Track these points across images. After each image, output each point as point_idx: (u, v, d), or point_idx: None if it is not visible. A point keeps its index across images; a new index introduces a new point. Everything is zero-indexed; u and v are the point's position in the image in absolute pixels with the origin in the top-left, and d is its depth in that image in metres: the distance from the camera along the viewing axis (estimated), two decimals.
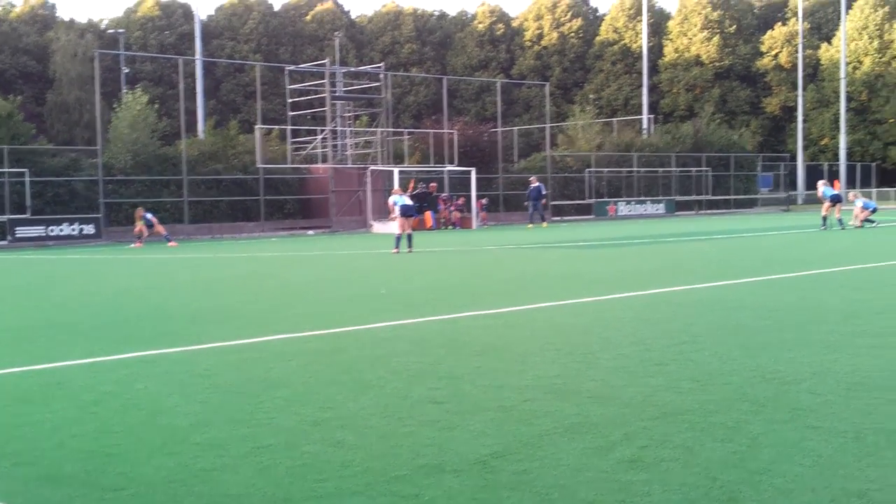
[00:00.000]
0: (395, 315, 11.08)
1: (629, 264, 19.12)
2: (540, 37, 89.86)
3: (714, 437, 5.38)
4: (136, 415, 6.35)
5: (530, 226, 40.39)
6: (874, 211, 32.79)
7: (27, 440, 5.74)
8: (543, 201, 42.40)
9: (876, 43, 77.71)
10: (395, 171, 40.58)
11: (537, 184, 41.79)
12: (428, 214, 39.51)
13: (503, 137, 51.20)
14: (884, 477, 4.60)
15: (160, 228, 32.99)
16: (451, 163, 44.03)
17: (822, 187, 31.93)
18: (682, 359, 7.83)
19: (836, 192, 32.09)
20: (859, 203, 32.50)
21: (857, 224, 31.63)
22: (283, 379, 7.43)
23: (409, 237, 23.92)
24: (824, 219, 30.85)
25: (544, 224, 41.21)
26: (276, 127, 48.46)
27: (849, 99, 73.43)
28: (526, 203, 42.49)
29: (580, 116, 59.98)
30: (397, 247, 23.51)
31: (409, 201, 24.76)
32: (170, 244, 31.98)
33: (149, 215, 33.12)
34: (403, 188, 32.68)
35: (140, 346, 9.25)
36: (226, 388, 7.16)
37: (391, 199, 25.16)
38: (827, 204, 30.99)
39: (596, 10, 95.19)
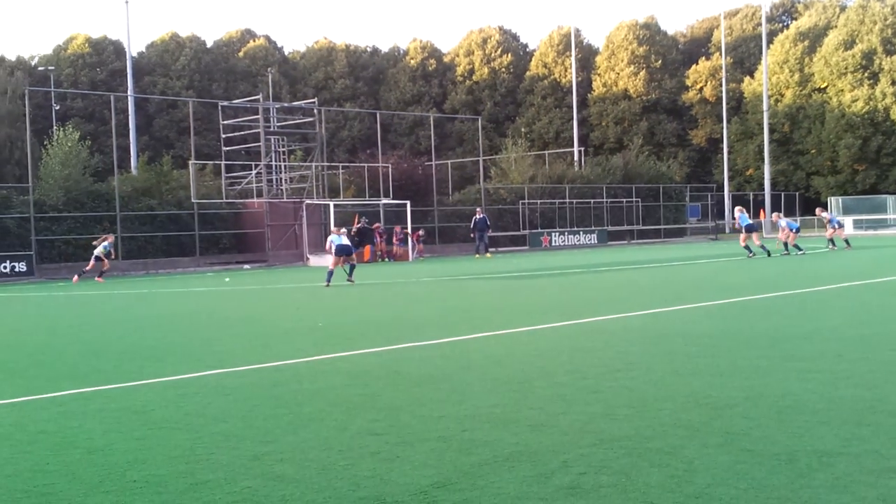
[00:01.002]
0: (332, 348, 11.07)
1: (563, 294, 19.30)
2: (471, 72, 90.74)
3: (651, 462, 5.47)
4: (72, 453, 6.26)
5: (477, 256, 40.69)
6: (797, 231, 33.37)
7: None
8: (489, 232, 42.89)
9: (797, 76, 79.76)
10: (331, 204, 40.57)
11: (482, 215, 42.13)
12: (367, 248, 39.47)
13: (437, 171, 51.46)
14: (816, 498, 4.72)
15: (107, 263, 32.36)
16: (387, 196, 44.13)
17: (738, 214, 32.54)
18: (618, 386, 7.95)
19: (750, 221, 32.69)
20: (783, 223, 33.14)
21: (782, 247, 32.30)
22: (221, 414, 7.38)
23: (352, 267, 24.48)
24: (747, 247, 31.43)
25: (488, 255, 41.48)
26: (211, 162, 48.25)
27: (772, 130, 75.15)
28: (472, 234, 42.68)
29: (512, 150, 60.59)
30: (328, 281, 23.70)
31: (345, 240, 24.89)
32: (97, 279, 31.53)
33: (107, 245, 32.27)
34: (345, 224, 32.80)
35: (74, 383, 9.12)
36: (163, 424, 7.09)
37: (329, 238, 25.29)
38: (743, 235, 31.62)
39: (526, 45, 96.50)
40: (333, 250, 24.22)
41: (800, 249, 32.30)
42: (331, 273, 24.01)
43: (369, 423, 6.83)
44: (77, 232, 37.56)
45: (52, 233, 37.02)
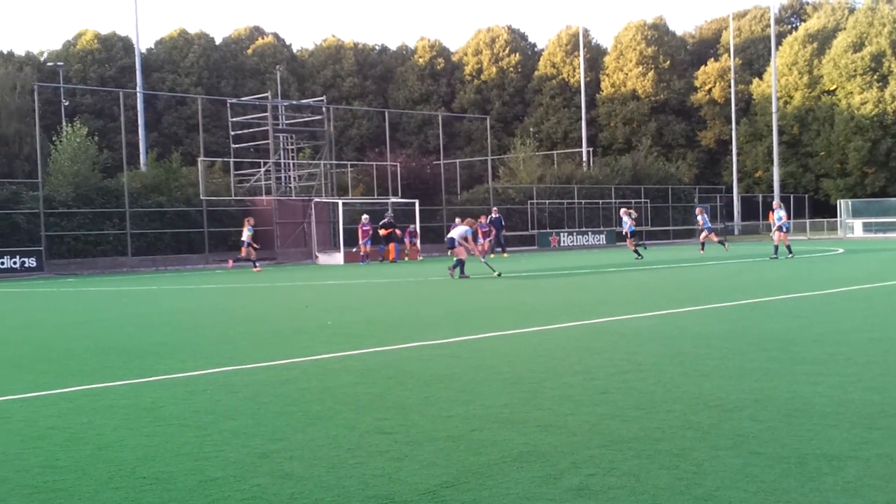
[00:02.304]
0: (341, 346, 11.08)
1: (572, 294, 19.28)
2: (479, 71, 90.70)
3: (660, 464, 5.46)
4: (81, 449, 6.27)
5: (493, 255, 40.69)
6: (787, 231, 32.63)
7: None
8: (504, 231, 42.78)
9: (805, 78, 79.59)
10: (339, 203, 40.62)
11: (498, 214, 41.99)
12: (392, 246, 39.20)
13: (445, 170, 51.47)
14: (826, 501, 4.70)
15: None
16: (395, 195, 44.14)
17: (699, 216, 32.72)
18: (627, 387, 7.93)
19: (710, 225, 32.94)
20: (780, 214, 32.20)
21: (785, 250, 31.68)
22: (230, 411, 7.39)
23: (460, 263, 25.06)
24: (703, 245, 31.83)
25: (504, 255, 41.35)
26: (219, 159, 48.28)
27: (781, 132, 75.04)
28: (489, 233, 42.14)
29: (521, 149, 60.56)
30: (461, 273, 24.82)
31: (454, 233, 25.64)
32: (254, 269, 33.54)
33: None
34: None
35: (84, 379, 9.15)
36: (172, 420, 7.11)
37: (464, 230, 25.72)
38: (704, 233, 31.89)
39: (534, 45, 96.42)
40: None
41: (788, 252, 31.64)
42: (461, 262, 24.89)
43: (378, 421, 6.83)
44: (86, 228, 37.70)
45: (61, 228, 37.14)
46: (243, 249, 34.00)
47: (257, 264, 34.37)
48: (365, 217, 38.56)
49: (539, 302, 17.72)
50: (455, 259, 25.18)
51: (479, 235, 37.02)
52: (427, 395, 7.83)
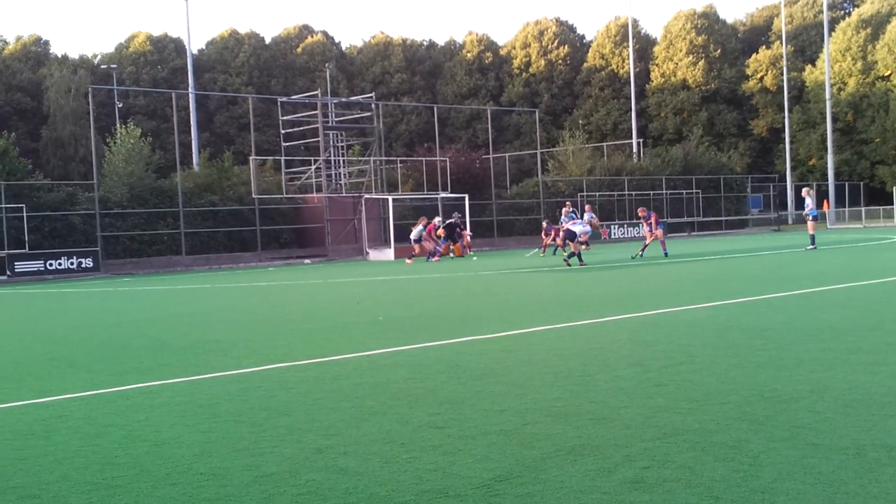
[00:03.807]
0: (393, 341, 11.12)
1: (624, 287, 19.17)
2: (528, 64, 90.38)
3: (715, 456, 5.42)
4: (139, 446, 6.36)
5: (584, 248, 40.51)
6: (815, 218, 31.49)
7: (30, 474, 5.75)
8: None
9: (859, 64, 78.31)
10: (390, 199, 40.73)
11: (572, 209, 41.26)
12: (458, 245, 38.71)
13: (495, 164, 51.41)
14: (886, 493, 4.64)
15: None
16: (445, 190, 44.17)
17: (640, 215, 31.67)
18: (680, 379, 7.87)
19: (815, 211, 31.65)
20: (808, 201, 31.05)
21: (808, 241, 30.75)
22: (284, 407, 7.45)
23: (574, 254, 27.15)
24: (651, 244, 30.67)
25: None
26: (270, 158, 48.70)
27: (834, 119, 73.91)
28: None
29: (570, 142, 60.26)
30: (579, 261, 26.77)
31: (576, 227, 27.69)
32: (433, 259, 35.19)
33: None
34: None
35: (140, 377, 9.28)
36: (227, 417, 7.18)
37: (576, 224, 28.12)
38: (657, 232, 30.16)
39: (583, 36, 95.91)
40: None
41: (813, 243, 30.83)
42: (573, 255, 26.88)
43: (431, 416, 6.85)
44: (141, 228, 38.23)
45: (116, 229, 37.70)
46: (416, 247, 36.33)
47: (436, 255, 35.90)
48: (437, 220, 37.96)
49: (590, 294, 17.64)
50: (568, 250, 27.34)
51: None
52: (479, 390, 7.83)
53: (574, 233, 27.54)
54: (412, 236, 36.85)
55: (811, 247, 30.35)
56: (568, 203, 39.40)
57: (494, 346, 10.61)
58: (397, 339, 11.43)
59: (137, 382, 8.96)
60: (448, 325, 12.94)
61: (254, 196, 40.43)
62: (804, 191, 31.71)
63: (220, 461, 5.83)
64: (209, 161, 46.83)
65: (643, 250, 30.24)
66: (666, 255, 29.38)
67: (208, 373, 9.38)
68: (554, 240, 35.01)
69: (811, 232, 31.13)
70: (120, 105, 65.99)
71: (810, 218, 31.14)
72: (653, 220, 30.36)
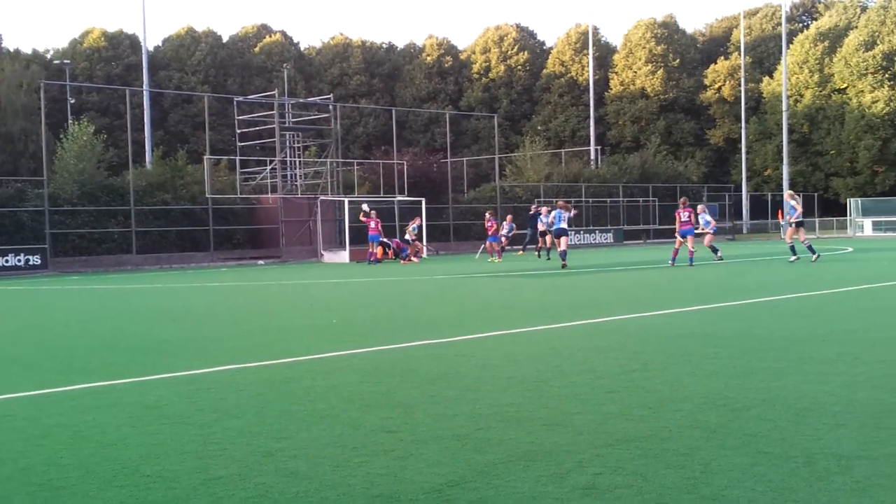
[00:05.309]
0: (346, 344, 11.04)
1: (579, 293, 19.23)
2: (487, 69, 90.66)
3: (667, 463, 5.42)
4: (85, 447, 6.24)
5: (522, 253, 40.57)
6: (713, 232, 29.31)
7: None
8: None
9: (816, 76, 79.43)
10: (346, 201, 40.60)
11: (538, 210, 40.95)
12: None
13: (452, 168, 51.45)
14: (835, 501, 4.66)
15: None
16: (401, 193, 44.12)
17: (702, 215, 28.74)
18: (633, 386, 7.88)
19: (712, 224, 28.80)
20: (703, 219, 28.53)
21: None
22: (234, 409, 7.35)
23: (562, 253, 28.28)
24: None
25: (520, 252, 41.02)
26: (225, 157, 48.31)
27: (791, 131, 74.88)
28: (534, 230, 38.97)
29: (529, 148, 60.50)
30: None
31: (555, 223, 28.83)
32: (413, 259, 35.72)
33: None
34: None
35: (87, 377, 9.13)
36: (176, 418, 7.07)
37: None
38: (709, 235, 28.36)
39: (543, 43, 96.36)
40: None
41: (716, 252, 29.12)
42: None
43: (383, 420, 6.80)
44: (91, 226, 37.75)
45: (66, 226, 37.20)
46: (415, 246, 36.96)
47: (411, 257, 36.39)
48: (413, 225, 37.62)
49: (545, 300, 17.67)
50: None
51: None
52: (432, 394, 7.79)
53: (566, 230, 28.68)
54: (407, 236, 37.48)
55: (794, 257, 27.63)
56: (542, 205, 39.58)
57: (448, 350, 10.58)
58: (351, 341, 11.35)
59: (84, 383, 8.81)
60: (402, 329, 12.89)
61: (207, 195, 40.10)
62: (787, 194, 29.32)
63: (167, 463, 5.73)
64: (162, 159, 46.35)
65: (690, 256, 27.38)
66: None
67: (157, 373, 9.25)
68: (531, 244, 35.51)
69: (789, 242, 28.41)
70: (72, 101, 65.19)
71: (793, 225, 27.83)
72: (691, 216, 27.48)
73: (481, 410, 7.05)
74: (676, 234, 27.74)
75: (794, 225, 27.74)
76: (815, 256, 27.18)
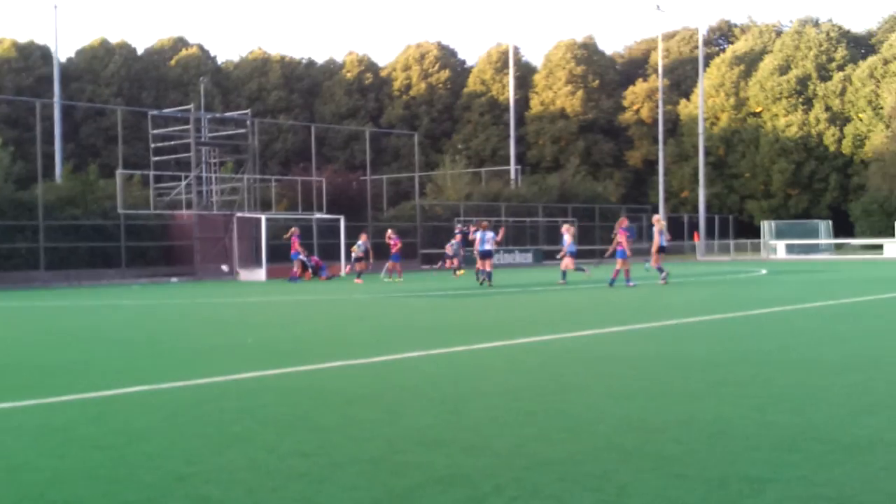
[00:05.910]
0: (261, 365, 10.86)
1: (499, 313, 19.27)
2: (408, 87, 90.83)
3: (584, 486, 5.40)
4: None
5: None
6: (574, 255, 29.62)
7: None
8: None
9: (732, 100, 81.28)
10: (263, 218, 40.18)
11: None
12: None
13: (372, 186, 51.36)
14: None
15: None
16: (320, 210, 43.86)
17: (566, 237, 29.35)
18: (552, 409, 7.87)
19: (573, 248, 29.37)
20: (567, 238, 29.15)
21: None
22: (145, 432, 7.15)
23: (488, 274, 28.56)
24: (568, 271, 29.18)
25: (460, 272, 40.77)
26: (139, 172, 47.46)
27: (707, 153, 76.39)
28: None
29: (449, 166, 60.69)
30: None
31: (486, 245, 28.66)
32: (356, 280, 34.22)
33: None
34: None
35: None
36: (84, 442, 6.85)
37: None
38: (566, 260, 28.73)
39: (464, 62, 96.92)
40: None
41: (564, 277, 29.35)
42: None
43: (298, 443, 6.67)
44: None
45: None
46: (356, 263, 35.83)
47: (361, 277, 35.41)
48: (360, 243, 36.84)
49: (466, 321, 17.66)
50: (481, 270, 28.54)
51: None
52: (349, 416, 7.68)
53: (490, 251, 28.71)
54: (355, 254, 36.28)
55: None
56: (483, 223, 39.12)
57: (366, 371, 10.47)
58: (266, 362, 11.17)
59: None
60: (319, 349, 12.74)
61: (119, 211, 39.33)
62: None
63: (75, 488, 5.54)
64: (73, 173, 45.33)
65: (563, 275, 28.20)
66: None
67: (64, 395, 8.96)
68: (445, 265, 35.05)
69: (616, 271, 27.81)
70: None
71: (619, 256, 27.67)
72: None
73: (399, 433, 6.97)
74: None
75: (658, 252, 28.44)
76: (664, 275, 28.00)
